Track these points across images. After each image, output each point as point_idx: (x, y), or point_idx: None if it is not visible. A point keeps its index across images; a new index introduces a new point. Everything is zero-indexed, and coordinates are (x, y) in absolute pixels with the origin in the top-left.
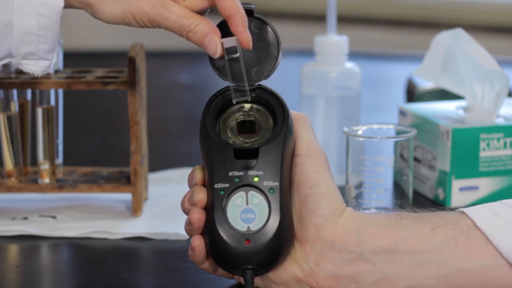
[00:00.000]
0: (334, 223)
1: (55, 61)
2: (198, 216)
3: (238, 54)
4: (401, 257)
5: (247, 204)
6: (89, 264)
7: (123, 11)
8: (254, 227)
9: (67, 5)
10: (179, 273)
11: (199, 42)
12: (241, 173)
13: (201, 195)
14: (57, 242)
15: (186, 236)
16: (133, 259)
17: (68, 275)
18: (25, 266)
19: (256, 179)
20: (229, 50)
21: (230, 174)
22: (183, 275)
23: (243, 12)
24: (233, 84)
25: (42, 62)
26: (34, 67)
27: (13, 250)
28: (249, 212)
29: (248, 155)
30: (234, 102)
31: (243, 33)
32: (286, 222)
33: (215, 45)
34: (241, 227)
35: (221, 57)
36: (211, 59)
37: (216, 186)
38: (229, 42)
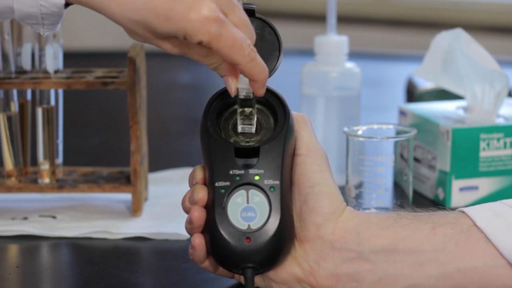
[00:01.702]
0: (334, 222)
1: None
2: (199, 214)
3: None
4: (401, 257)
5: (247, 202)
6: (89, 264)
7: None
8: (255, 225)
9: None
10: (179, 273)
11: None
12: (242, 172)
13: (202, 194)
14: (57, 242)
15: (186, 236)
16: (133, 259)
17: (68, 275)
18: (25, 266)
19: (256, 177)
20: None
21: (231, 172)
22: (183, 275)
23: (264, 74)
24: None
25: (47, 28)
26: (40, 29)
27: (13, 250)
28: (249, 211)
29: (249, 154)
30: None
31: (260, 92)
32: (287, 220)
33: (230, 87)
34: (242, 225)
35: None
36: None
37: (217, 184)
38: (243, 89)
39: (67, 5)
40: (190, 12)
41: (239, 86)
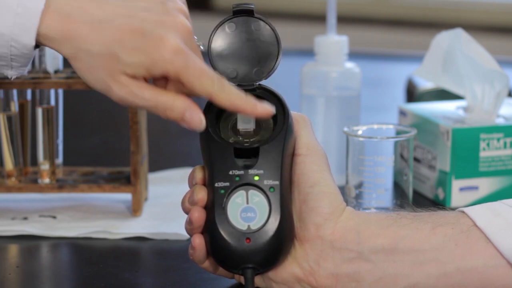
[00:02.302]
0: (334, 222)
1: (28, 68)
2: (199, 214)
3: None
4: (401, 256)
5: (247, 203)
6: (89, 264)
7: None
8: (255, 225)
9: (39, 44)
10: (179, 273)
11: (178, 119)
12: (242, 172)
13: (202, 194)
14: (57, 242)
15: (186, 236)
16: (133, 259)
17: (68, 275)
18: (25, 266)
19: (256, 178)
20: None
21: (230, 173)
22: (183, 275)
23: (245, 101)
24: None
25: (15, 71)
26: (8, 72)
27: (13, 250)
28: (249, 211)
29: (248, 154)
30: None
31: (254, 114)
32: (287, 220)
33: (198, 119)
34: (242, 225)
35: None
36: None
37: (216, 185)
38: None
39: (36, 46)
40: (159, 43)
41: (240, 127)
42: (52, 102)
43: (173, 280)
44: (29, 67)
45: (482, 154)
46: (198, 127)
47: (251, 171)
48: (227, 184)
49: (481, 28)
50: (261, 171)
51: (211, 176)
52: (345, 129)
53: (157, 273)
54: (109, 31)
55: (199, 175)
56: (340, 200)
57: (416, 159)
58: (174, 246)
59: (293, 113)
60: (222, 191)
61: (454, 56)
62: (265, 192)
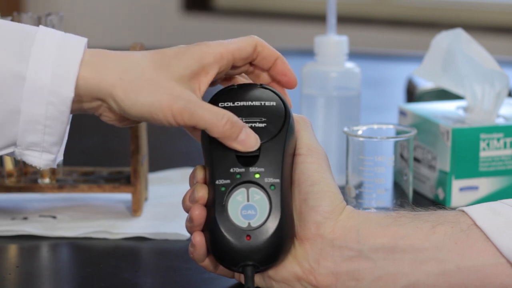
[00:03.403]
0: (334, 220)
1: (61, 156)
2: (199, 212)
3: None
4: (401, 255)
5: (248, 200)
6: (89, 264)
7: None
8: (255, 223)
9: (77, 97)
10: (179, 273)
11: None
12: (242, 170)
13: (202, 192)
14: (57, 242)
15: (186, 236)
16: (133, 259)
17: (68, 275)
18: (25, 266)
19: (257, 175)
20: None
21: (231, 170)
22: (183, 275)
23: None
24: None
25: (46, 155)
26: (38, 159)
27: (13, 250)
28: (250, 209)
29: (249, 152)
30: None
31: (292, 72)
32: (287, 218)
33: (254, 137)
34: (242, 223)
35: None
36: None
37: (217, 182)
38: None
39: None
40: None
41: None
42: None
43: (173, 280)
44: (61, 155)
45: (482, 154)
46: (252, 147)
47: (252, 169)
48: (228, 181)
49: (481, 28)
50: (262, 169)
51: (211, 174)
52: (345, 129)
53: (157, 273)
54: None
55: (200, 174)
56: (340, 199)
57: (416, 159)
58: (174, 246)
59: (294, 114)
60: (223, 189)
61: (454, 56)
62: (266, 189)
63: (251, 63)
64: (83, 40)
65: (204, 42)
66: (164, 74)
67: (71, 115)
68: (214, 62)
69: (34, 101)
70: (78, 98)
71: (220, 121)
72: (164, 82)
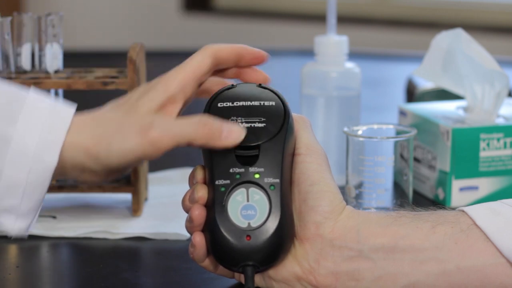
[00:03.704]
0: (334, 220)
1: (33, 223)
2: (199, 212)
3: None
4: (401, 255)
5: (247, 200)
6: (89, 264)
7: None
8: (255, 223)
9: (61, 164)
10: (179, 273)
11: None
12: (242, 170)
13: (202, 192)
14: (57, 242)
15: (186, 236)
16: (133, 259)
17: (68, 275)
18: (25, 266)
19: (257, 175)
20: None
21: (231, 170)
22: (183, 275)
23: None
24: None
25: (20, 221)
26: (12, 225)
27: (13, 250)
28: (249, 209)
29: (249, 152)
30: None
31: (258, 51)
32: (287, 218)
33: (237, 128)
34: (242, 223)
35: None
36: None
37: (217, 182)
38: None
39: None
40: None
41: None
42: None
43: (173, 280)
44: (35, 221)
45: (482, 154)
46: (238, 139)
47: (251, 169)
48: (228, 181)
49: (481, 28)
50: (262, 169)
51: (211, 174)
52: (345, 129)
53: (157, 273)
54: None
55: (199, 174)
56: (340, 199)
57: (416, 159)
58: (174, 246)
59: (293, 114)
60: (223, 189)
61: (454, 56)
62: (266, 190)
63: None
64: (72, 108)
65: (163, 75)
66: (131, 115)
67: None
68: (179, 90)
69: (17, 165)
70: (61, 165)
71: (198, 126)
72: (131, 122)
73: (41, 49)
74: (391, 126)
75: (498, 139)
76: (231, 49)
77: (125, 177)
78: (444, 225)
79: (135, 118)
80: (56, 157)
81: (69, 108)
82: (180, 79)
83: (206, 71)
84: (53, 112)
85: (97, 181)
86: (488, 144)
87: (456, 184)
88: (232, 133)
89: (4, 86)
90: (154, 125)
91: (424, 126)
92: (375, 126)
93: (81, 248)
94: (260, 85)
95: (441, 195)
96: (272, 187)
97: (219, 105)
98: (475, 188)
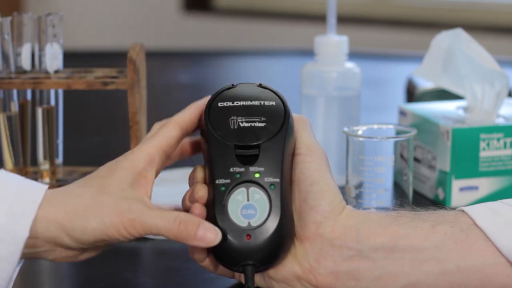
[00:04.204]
0: (334, 220)
1: None
2: (199, 212)
3: None
4: (400, 254)
5: (248, 200)
6: (89, 264)
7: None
8: (255, 222)
9: (32, 239)
10: (179, 273)
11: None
12: (242, 169)
13: (202, 192)
14: None
15: None
16: (133, 259)
17: (68, 275)
18: (25, 266)
19: (257, 175)
20: None
21: (231, 170)
22: (184, 275)
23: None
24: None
25: None
26: None
27: None
28: (249, 208)
29: (249, 151)
30: None
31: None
32: (287, 218)
33: (213, 230)
34: (242, 222)
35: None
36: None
37: (217, 182)
38: None
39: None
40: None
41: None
42: (52, 102)
43: (173, 280)
44: None
45: (482, 154)
46: (214, 241)
47: (251, 168)
48: (228, 181)
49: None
50: (262, 169)
51: (211, 173)
52: (345, 129)
53: (157, 273)
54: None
55: (199, 174)
56: (340, 199)
57: (416, 159)
58: (174, 246)
59: (293, 114)
60: (223, 188)
61: (454, 56)
62: (266, 189)
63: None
64: (44, 186)
65: (129, 151)
66: (105, 193)
67: (21, 261)
68: (147, 164)
69: None
70: (32, 240)
71: (173, 224)
72: (107, 201)
73: (41, 49)
74: (391, 126)
75: (498, 139)
76: (193, 113)
77: None
78: (444, 224)
79: (110, 197)
80: (27, 228)
81: (41, 184)
82: (145, 154)
83: (173, 144)
84: (24, 184)
85: (70, 258)
86: (488, 144)
87: (456, 184)
88: (207, 234)
89: None
90: (130, 210)
91: (424, 126)
92: (375, 126)
93: None
94: (260, 85)
95: (441, 195)
96: (272, 187)
97: (219, 104)
98: (475, 188)
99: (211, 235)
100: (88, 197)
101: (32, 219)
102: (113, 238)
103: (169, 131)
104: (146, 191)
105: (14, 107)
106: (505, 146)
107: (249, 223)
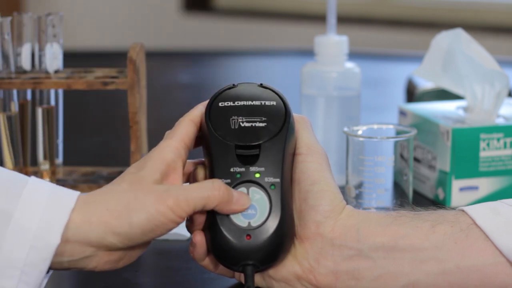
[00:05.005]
0: (334, 219)
1: None
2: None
3: None
4: (400, 254)
5: None
6: None
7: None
8: (255, 222)
9: (64, 245)
10: (179, 273)
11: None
12: (243, 169)
13: None
14: None
15: (186, 236)
16: None
17: (68, 275)
18: None
19: (257, 175)
20: None
21: (231, 170)
22: (184, 275)
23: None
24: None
25: None
26: None
27: None
28: (250, 208)
29: (249, 151)
30: None
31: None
32: (287, 218)
33: (245, 195)
34: (242, 222)
35: None
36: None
37: None
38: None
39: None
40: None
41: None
42: (52, 102)
43: (173, 280)
44: None
45: (482, 154)
46: (245, 204)
47: (252, 168)
48: (228, 181)
49: (481, 28)
50: (262, 169)
51: (212, 173)
52: (345, 129)
53: (157, 273)
54: None
55: (200, 173)
56: (340, 199)
57: (416, 159)
58: (174, 246)
59: (293, 114)
60: None
61: (454, 56)
62: (266, 189)
63: None
64: (76, 192)
65: (155, 147)
66: (141, 186)
67: (50, 271)
68: (175, 156)
69: (16, 242)
70: (70, 247)
71: (215, 190)
72: (146, 191)
73: (41, 49)
74: (391, 126)
75: (498, 139)
76: (202, 111)
77: None
78: (444, 224)
79: (147, 187)
80: (59, 235)
81: (72, 190)
82: (172, 147)
83: (193, 138)
84: (56, 191)
85: (112, 264)
86: (488, 144)
87: (456, 184)
88: (242, 198)
89: (6, 171)
90: (170, 193)
91: (424, 126)
92: (375, 126)
93: None
94: (261, 85)
95: (441, 195)
96: (272, 187)
97: (220, 104)
98: (475, 188)
99: (244, 198)
100: (126, 191)
101: (64, 226)
102: (162, 226)
103: (187, 127)
104: (177, 182)
105: (14, 107)
106: (505, 146)
107: (249, 223)
